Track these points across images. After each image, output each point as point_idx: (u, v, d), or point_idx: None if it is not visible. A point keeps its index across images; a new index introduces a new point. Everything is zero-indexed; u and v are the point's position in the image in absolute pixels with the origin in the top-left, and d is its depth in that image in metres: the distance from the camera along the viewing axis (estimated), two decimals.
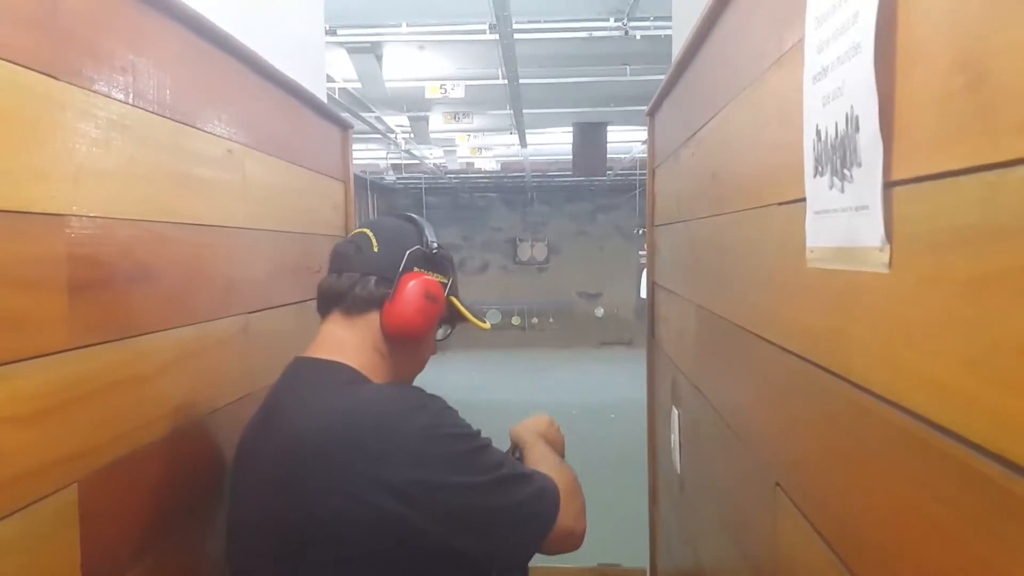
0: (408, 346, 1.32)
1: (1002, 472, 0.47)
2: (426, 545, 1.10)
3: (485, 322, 1.44)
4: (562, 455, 1.52)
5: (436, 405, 1.18)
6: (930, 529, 0.58)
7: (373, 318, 1.27)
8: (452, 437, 1.15)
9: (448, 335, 1.46)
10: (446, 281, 1.36)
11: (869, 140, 0.65)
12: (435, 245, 1.35)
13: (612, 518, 2.91)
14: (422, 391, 1.23)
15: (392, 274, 1.28)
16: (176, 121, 1.24)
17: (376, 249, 1.30)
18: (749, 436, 1.18)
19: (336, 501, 1.08)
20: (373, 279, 1.28)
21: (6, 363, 0.82)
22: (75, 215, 0.96)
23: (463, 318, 1.42)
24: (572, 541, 1.23)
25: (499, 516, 1.16)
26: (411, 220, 1.41)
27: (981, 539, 0.51)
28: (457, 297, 1.41)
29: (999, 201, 0.48)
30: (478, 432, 1.20)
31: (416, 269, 1.30)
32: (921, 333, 0.59)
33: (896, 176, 0.62)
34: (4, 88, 0.83)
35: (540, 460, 1.36)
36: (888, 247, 0.64)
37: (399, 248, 1.30)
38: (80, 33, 0.98)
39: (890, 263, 0.63)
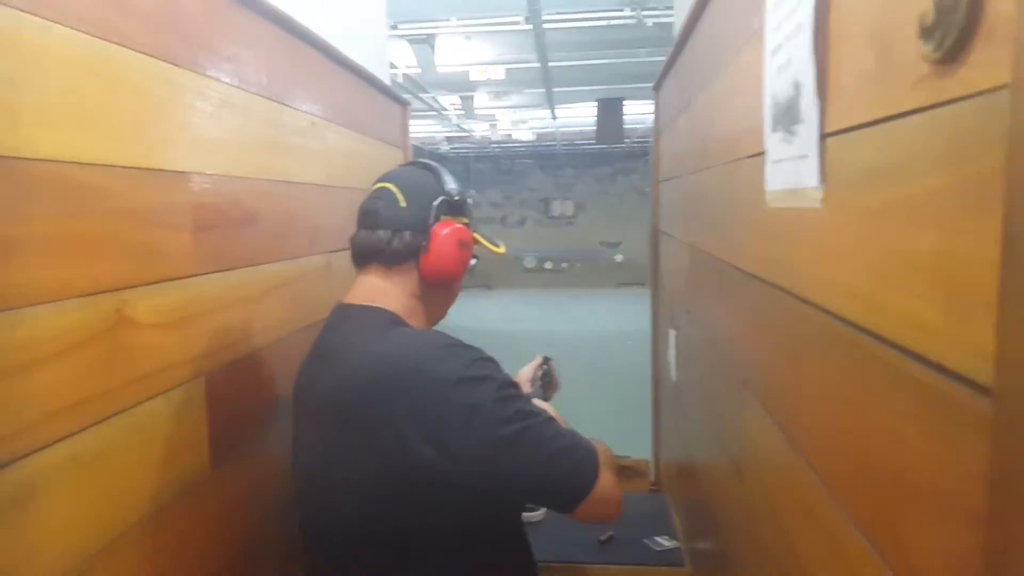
0: (443, 288, 1.23)
1: (898, 356, 0.50)
2: (466, 493, 0.99)
3: (499, 246, 1.31)
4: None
5: (470, 354, 1.04)
6: (847, 404, 0.62)
7: (410, 268, 1.17)
8: (489, 383, 1.00)
9: (475, 264, 1.28)
10: (468, 221, 1.23)
11: (809, 102, 0.67)
12: (455, 192, 1.21)
13: (623, 421, 2.97)
14: (460, 343, 1.07)
15: (423, 226, 1.16)
16: (270, 99, 1.28)
17: (404, 204, 1.17)
18: (724, 345, 1.21)
19: (384, 446, 0.98)
20: (407, 233, 1.16)
21: (151, 283, 0.89)
22: (196, 172, 1.01)
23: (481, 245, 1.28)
24: (609, 509, 1.04)
25: (538, 466, 0.99)
26: (427, 168, 1.26)
27: (882, 405, 0.54)
28: (475, 230, 1.26)
29: (894, 144, 0.51)
30: (513, 383, 1.06)
31: (444, 218, 1.18)
32: (844, 254, 0.61)
33: (828, 129, 0.64)
34: (142, 75, 0.88)
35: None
36: (822, 187, 0.66)
37: (425, 200, 1.18)
38: (196, 30, 1.02)
39: (823, 199, 0.66)
